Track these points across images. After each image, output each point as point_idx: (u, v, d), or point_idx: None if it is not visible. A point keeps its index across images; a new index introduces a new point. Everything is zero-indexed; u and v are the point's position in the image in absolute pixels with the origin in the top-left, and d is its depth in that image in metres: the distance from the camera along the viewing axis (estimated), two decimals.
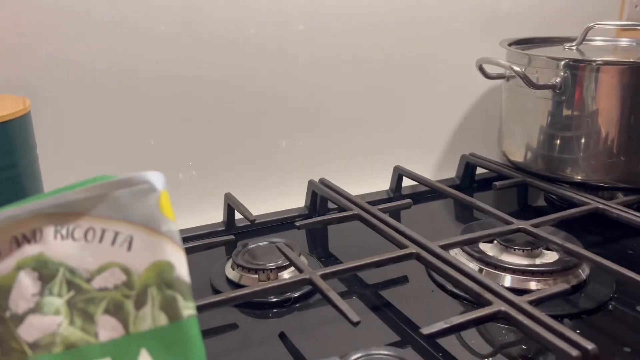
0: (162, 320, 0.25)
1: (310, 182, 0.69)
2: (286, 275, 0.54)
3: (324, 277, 0.47)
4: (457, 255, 0.56)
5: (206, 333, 0.44)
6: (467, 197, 0.64)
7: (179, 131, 0.68)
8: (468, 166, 0.79)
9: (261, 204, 0.71)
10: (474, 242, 0.55)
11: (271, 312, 0.52)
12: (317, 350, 0.46)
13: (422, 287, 0.55)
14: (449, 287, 0.53)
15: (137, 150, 0.66)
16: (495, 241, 0.58)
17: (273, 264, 0.55)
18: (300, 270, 0.48)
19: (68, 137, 0.63)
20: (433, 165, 0.84)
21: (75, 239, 0.26)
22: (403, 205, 0.62)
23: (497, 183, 0.69)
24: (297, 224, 0.57)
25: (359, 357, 0.40)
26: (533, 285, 0.52)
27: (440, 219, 0.72)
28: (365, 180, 0.78)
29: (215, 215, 0.69)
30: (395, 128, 0.79)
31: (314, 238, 0.65)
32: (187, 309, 0.25)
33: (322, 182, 0.70)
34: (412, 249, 0.51)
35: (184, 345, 0.25)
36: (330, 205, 0.70)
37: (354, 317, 0.41)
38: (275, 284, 0.47)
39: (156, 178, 0.27)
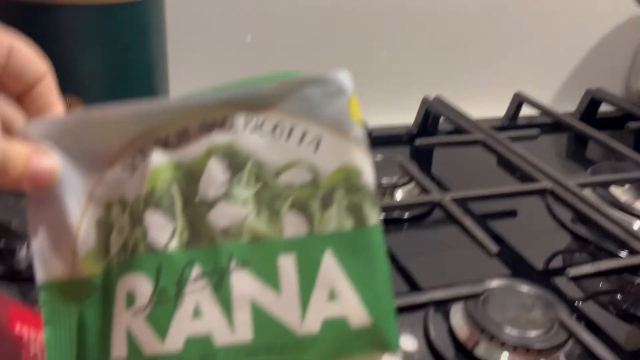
0: (348, 224, 0.23)
1: (425, 99, 0.65)
2: (401, 194, 0.52)
3: (455, 201, 0.44)
4: (586, 193, 0.53)
5: None
6: (601, 136, 0.59)
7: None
8: (592, 102, 0.72)
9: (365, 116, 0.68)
10: (612, 183, 0.50)
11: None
12: (425, 275, 0.44)
13: (540, 223, 0.52)
14: (570, 226, 0.50)
15: (243, 47, 0.64)
16: (627, 186, 0.54)
17: (390, 180, 0.52)
18: (426, 190, 0.46)
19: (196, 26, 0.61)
20: (551, 97, 0.78)
21: (263, 133, 0.24)
22: (530, 135, 0.58)
23: (631, 123, 0.63)
24: (417, 142, 0.54)
25: (500, 287, 0.38)
26: None
27: (557, 155, 0.67)
28: (477, 104, 0.73)
29: None
30: (516, 51, 0.73)
31: (419, 159, 0.62)
32: (373, 216, 0.23)
33: (438, 99, 0.65)
34: (547, 183, 0.48)
35: (369, 252, 0.23)
36: (442, 126, 0.66)
37: (493, 248, 0.39)
38: (403, 202, 0.45)
39: (347, 79, 0.25)
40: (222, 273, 0.23)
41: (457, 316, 0.37)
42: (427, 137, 0.61)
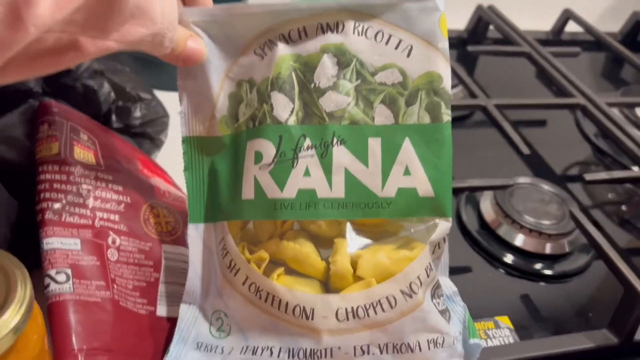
0: (426, 119, 0.30)
1: (479, 7, 0.69)
2: None
3: (498, 107, 0.50)
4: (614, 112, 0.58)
5: None
6: (636, 59, 0.63)
7: None
8: (637, 25, 0.76)
9: None
10: (638, 105, 0.56)
11: None
12: (460, 168, 0.51)
13: (566, 135, 0.58)
14: (593, 139, 0.56)
15: None
16: None
17: None
18: (473, 95, 0.52)
19: None
20: (598, 15, 0.80)
21: (367, 37, 0.30)
22: (572, 52, 0.62)
23: None
24: (470, 48, 0.59)
25: (525, 184, 0.46)
26: None
27: (594, 73, 0.72)
28: (527, 15, 0.77)
29: None
30: None
31: (464, 63, 0.67)
32: (447, 115, 0.30)
33: (491, 9, 0.69)
34: (580, 99, 0.54)
35: (440, 144, 0.30)
36: (491, 34, 0.70)
37: (525, 149, 0.46)
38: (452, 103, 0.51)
39: None
40: (326, 146, 0.30)
41: (486, 202, 0.45)
42: (477, 45, 0.66)
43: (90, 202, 0.32)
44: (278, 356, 0.29)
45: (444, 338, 0.29)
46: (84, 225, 0.32)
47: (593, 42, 0.72)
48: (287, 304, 0.28)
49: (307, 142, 0.30)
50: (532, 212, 0.44)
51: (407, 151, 0.30)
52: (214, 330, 0.30)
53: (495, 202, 0.44)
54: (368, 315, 0.28)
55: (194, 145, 0.32)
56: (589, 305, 0.41)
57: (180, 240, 0.35)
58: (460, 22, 0.71)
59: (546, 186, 0.47)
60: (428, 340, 0.29)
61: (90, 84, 0.42)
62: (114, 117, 0.43)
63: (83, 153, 0.33)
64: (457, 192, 0.44)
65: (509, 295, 0.41)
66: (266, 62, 0.31)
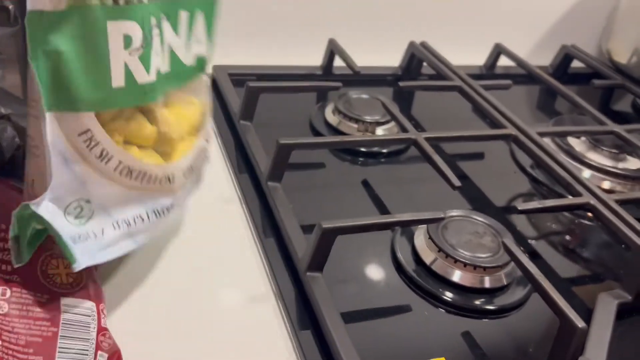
0: None
1: (412, 44, 0.70)
2: (381, 131, 0.57)
3: (428, 140, 0.50)
4: (545, 141, 0.59)
5: (294, 167, 0.48)
6: (567, 90, 0.64)
7: None
8: (566, 58, 0.78)
9: (351, 54, 0.72)
10: (569, 134, 0.57)
11: (359, 160, 0.56)
12: (395, 203, 0.50)
13: (503, 166, 0.58)
14: (531, 171, 0.56)
15: None
16: (583, 138, 0.60)
17: (373, 117, 0.58)
18: (404, 129, 0.51)
19: None
20: (528, 49, 0.82)
21: None
22: (503, 85, 0.63)
23: (596, 81, 0.68)
24: (401, 84, 0.59)
25: (458, 216, 0.44)
26: (612, 186, 0.55)
27: (527, 105, 0.73)
28: (457, 51, 0.78)
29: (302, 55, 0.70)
30: (499, 5, 0.77)
31: (400, 100, 0.67)
32: None
33: (424, 45, 0.70)
34: (511, 130, 0.54)
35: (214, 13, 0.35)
36: (425, 70, 0.70)
37: (456, 182, 0.45)
38: (381, 137, 0.50)
39: None
40: (159, 25, 0.31)
41: (420, 237, 0.44)
42: (410, 80, 0.66)
43: None
44: (148, 219, 0.34)
45: None
46: None
47: (525, 75, 0.73)
48: (156, 176, 0.33)
49: (153, 21, 0.31)
50: (467, 245, 0.43)
51: (200, 23, 0.35)
52: (72, 219, 0.30)
53: (429, 237, 0.43)
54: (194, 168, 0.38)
55: (37, 23, 0.28)
56: (529, 339, 0.39)
57: (82, 292, 0.32)
58: (394, 59, 0.72)
59: (480, 218, 0.45)
60: None
61: None
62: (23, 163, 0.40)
63: None
64: (388, 227, 0.43)
65: (450, 333, 0.39)
66: None
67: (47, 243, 0.33)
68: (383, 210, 0.49)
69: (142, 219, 0.33)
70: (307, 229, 0.44)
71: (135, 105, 0.31)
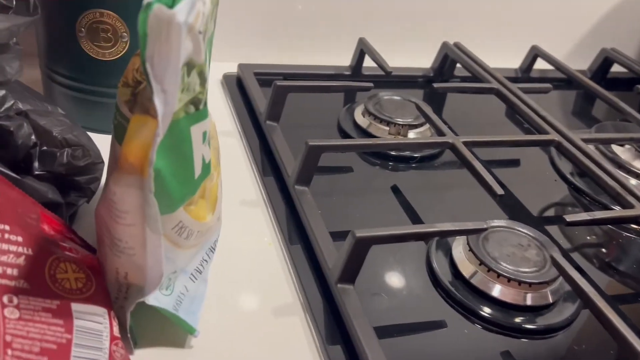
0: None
1: (445, 44, 0.67)
2: (413, 134, 0.55)
3: (467, 144, 0.47)
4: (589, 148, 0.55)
5: (320, 170, 0.46)
6: (610, 95, 0.61)
7: None
8: (605, 61, 0.74)
9: (381, 54, 0.69)
10: (615, 141, 0.53)
11: (389, 165, 0.53)
12: (427, 211, 0.47)
13: (541, 174, 0.55)
14: (572, 179, 0.53)
15: None
16: (628, 145, 0.56)
17: (405, 119, 0.55)
18: (441, 132, 0.48)
19: None
20: (566, 53, 0.79)
21: None
22: (543, 88, 0.59)
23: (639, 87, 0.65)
24: (435, 85, 0.56)
25: (500, 227, 0.41)
26: None
27: (565, 110, 0.69)
28: (493, 53, 0.75)
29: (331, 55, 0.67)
30: (536, 6, 0.74)
31: (431, 102, 0.64)
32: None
33: (457, 46, 0.67)
34: (554, 136, 0.50)
35: None
36: (458, 72, 0.67)
37: (498, 190, 0.42)
38: (417, 141, 0.47)
39: None
40: None
41: (459, 249, 0.41)
42: (442, 82, 0.63)
43: None
44: (209, 257, 0.36)
45: None
46: None
47: (563, 79, 0.70)
48: (211, 225, 0.35)
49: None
50: (510, 258, 0.39)
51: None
52: (165, 291, 0.32)
53: (469, 249, 0.40)
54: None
55: None
56: None
57: (92, 298, 0.30)
58: (426, 60, 0.69)
59: (523, 229, 0.42)
60: None
61: (5, 125, 0.37)
62: (36, 163, 0.38)
63: None
64: (426, 237, 0.40)
65: (488, 353, 0.36)
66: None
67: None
68: (415, 218, 0.46)
69: (206, 260, 0.36)
70: (336, 235, 0.41)
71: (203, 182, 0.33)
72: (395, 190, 0.50)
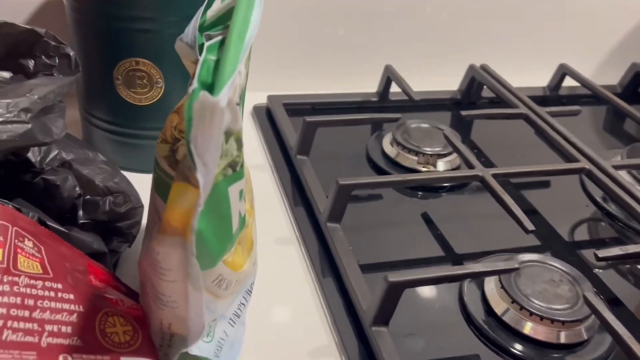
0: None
1: (471, 67, 0.67)
2: (442, 163, 0.55)
3: (496, 177, 0.47)
4: (621, 173, 0.55)
5: (352, 199, 0.47)
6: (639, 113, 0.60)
7: None
8: (636, 76, 0.73)
9: (407, 78, 0.70)
10: None
11: (419, 194, 0.54)
12: (459, 241, 0.48)
13: (572, 197, 0.55)
14: (604, 205, 0.53)
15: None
16: None
17: (434, 148, 0.55)
18: (470, 165, 0.49)
19: None
20: (594, 68, 0.78)
21: None
22: (572, 111, 0.59)
23: None
24: (463, 113, 0.56)
25: (532, 261, 0.42)
26: None
27: (596, 129, 0.69)
28: (519, 72, 0.75)
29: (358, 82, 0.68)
30: (562, 22, 0.74)
31: (459, 125, 0.64)
32: None
33: (484, 68, 0.67)
34: (584, 164, 0.50)
35: None
36: (486, 92, 0.68)
37: (529, 226, 0.42)
38: (445, 175, 0.48)
39: None
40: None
41: (491, 285, 0.41)
42: (470, 104, 0.63)
43: (37, 314, 0.28)
44: (247, 300, 0.37)
45: None
46: (29, 344, 0.28)
47: (592, 96, 0.69)
48: (248, 270, 0.35)
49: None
50: (542, 295, 0.40)
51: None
52: (206, 339, 0.33)
53: (501, 286, 0.40)
54: None
55: None
56: None
57: (140, 350, 0.31)
58: (453, 82, 0.69)
59: (556, 263, 0.42)
60: None
61: (52, 179, 0.39)
62: (80, 212, 0.40)
63: (27, 262, 0.30)
64: (457, 279, 0.40)
65: None
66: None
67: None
68: (447, 248, 0.47)
69: (243, 304, 0.37)
70: (369, 268, 0.42)
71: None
72: (426, 219, 0.51)
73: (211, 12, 0.31)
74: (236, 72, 0.26)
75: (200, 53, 0.29)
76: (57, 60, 0.39)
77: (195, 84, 0.26)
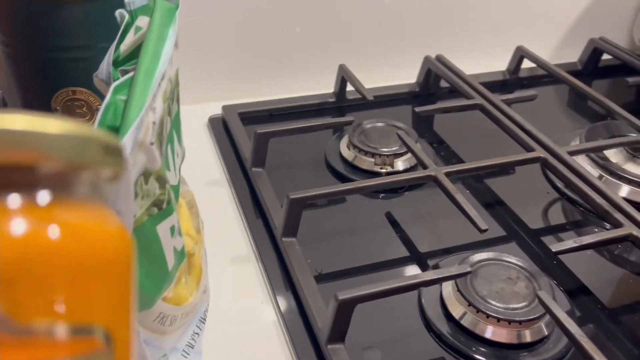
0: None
1: (427, 59, 0.66)
2: (400, 163, 0.54)
3: (449, 175, 0.46)
4: (578, 158, 0.55)
5: (312, 205, 0.47)
6: (599, 95, 0.60)
7: None
8: (595, 52, 0.73)
9: (366, 74, 0.69)
10: (603, 149, 0.52)
11: (380, 195, 0.53)
12: (421, 239, 0.47)
13: (534, 185, 0.54)
14: (565, 190, 0.53)
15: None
16: (621, 147, 0.55)
17: (391, 149, 0.55)
18: (424, 165, 0.48)
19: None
20: (553, 47, 0.78)
21: None
22: (527, 96, 0.59)
23: (630, 79, 0.63)
24: (417, 109, 0.56)
25: (488, 260, 0.42)
26: None
27: (557, 109, 0.68)
28: (478, 57, 0.74)
29: (316, 81, 0.67)
30: (518, 1, 0.73)
31: (419, 119, 0.63)
32: None
33: (439, 59, 0.66)
34: (539, 152, 0.50)
35: None
36: (443, 83, 0.67)
37: (483, 225, 0.42)
38: (399, 178, 0.47)
39: None
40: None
41: (448, 289, 0.41)
42: (428, 96, 0.63)
43: None
44: (200, 329, 0.37)
45: None
46: None
47: (551, 77, 0.69)
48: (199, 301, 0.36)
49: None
50: (499, 295, 0.39)
51: None
52: None
53: (457, 289, 0.40)
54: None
55: None
56: None
57: None
58: (413, 73, 0.68)
59: (512, 260, 0.42)
60: None
61: None
62: None
63: None
64: (409, 289, 0.39)
65: None
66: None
67: None
68: (411, 248, 0.46)
69: (197, 333, 0.36)
70: (330, 277, 0.43)
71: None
72: (390, 219, 0.50)
73: (124, 47, 0.30)
74: (143, 112, 0.25)
75: None
76: None
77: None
